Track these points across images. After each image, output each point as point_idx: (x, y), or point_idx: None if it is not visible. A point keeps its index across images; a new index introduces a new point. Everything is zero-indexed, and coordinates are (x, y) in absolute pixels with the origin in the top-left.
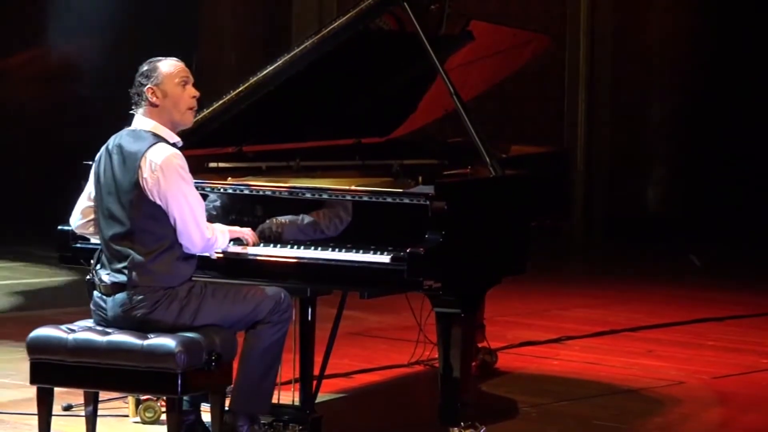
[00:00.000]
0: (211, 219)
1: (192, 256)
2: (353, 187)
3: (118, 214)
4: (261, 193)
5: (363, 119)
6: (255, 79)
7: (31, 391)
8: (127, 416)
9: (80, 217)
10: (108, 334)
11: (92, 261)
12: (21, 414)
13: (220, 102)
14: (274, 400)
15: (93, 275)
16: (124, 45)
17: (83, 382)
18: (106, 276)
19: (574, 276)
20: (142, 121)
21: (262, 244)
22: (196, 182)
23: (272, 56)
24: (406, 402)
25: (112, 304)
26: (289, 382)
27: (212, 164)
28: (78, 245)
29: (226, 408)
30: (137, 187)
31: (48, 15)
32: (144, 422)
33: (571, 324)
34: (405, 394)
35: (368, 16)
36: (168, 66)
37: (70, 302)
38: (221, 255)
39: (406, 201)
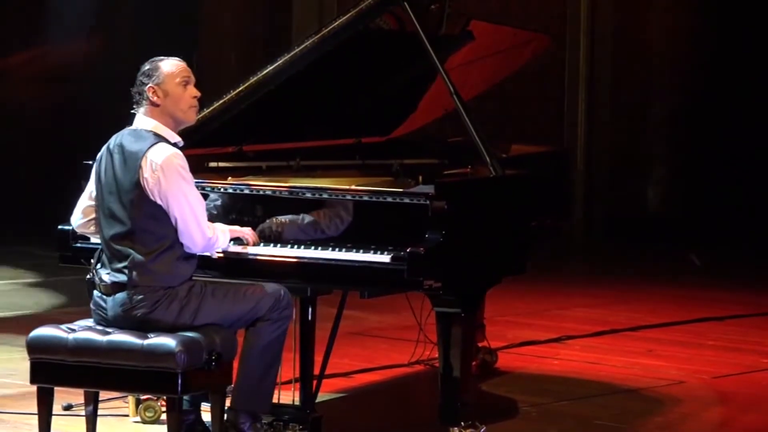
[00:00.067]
0: (211, 218)
1: (192, 256)
2: (353, 187)
3: (118, 213)
4: (261, 192)
5: (363, 119)
6: (255, 78)
7: (32, 391)
8: (127, 416)
9: (81, 216)
10: (108, 333)
11: (92, 260)
12: (21, 414)
13: (221, 102)
14: (275, 400)
15: (93, 275)
16: (124, 45)
17: (83, 381)
18: (106, 275)
19: (574, 276)
20: (143, 120)
21: (262, 244)
22: (196, 182)
23: (272, 56)
24: (406, 402)
25: (113, 303)
26: (289, 382)
27: (212, 164)
28: (78, 245)
29: (227, 407)
30: (138, 187)
31: (48, 15)
32: (144, 422)
33: (571, 324)
34: (405, 394)
35: (368, 16)
36: (170, 66)
37: (70, 302)
38: (221, 254)
39: (407, 201)
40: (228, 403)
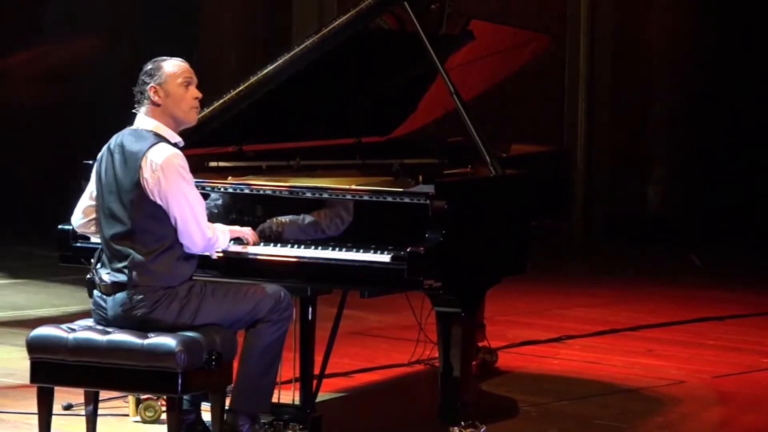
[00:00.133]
0: (211, 218)
1: (192, 256)
2: (353, 187)
3: (119, 213)
4: (261, 192)
5: (363, 118)
6: (255, 78)
7: (32, 391)
8: (127, 415)
9: (82, 216)
10: (108, 333)
11: (92, 260)
12: (21, 413)
13: (221, 101)
14: (275, 400)
15: (93, 274)
16: (124, 45)
17: (83, 381)
18: (106, 275)
19: (575, 276)
20: (143, 120)
21: (262, 244)
22: (196, 181)
23: (272, 56)
24: (406, 402)
25: (113, 303)
26: (289, 382)
27: (212, 163)
28: (78, 244)
29: (227, 407)
30: (138, 187)
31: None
32: (144, 421)
33: (571, 323)
34: (405, 394)
35: (368, 16)
36: (172, 66)
37: (69, 302)
38: (221, 254)
39: (407, 200)
40: (228, 403)
